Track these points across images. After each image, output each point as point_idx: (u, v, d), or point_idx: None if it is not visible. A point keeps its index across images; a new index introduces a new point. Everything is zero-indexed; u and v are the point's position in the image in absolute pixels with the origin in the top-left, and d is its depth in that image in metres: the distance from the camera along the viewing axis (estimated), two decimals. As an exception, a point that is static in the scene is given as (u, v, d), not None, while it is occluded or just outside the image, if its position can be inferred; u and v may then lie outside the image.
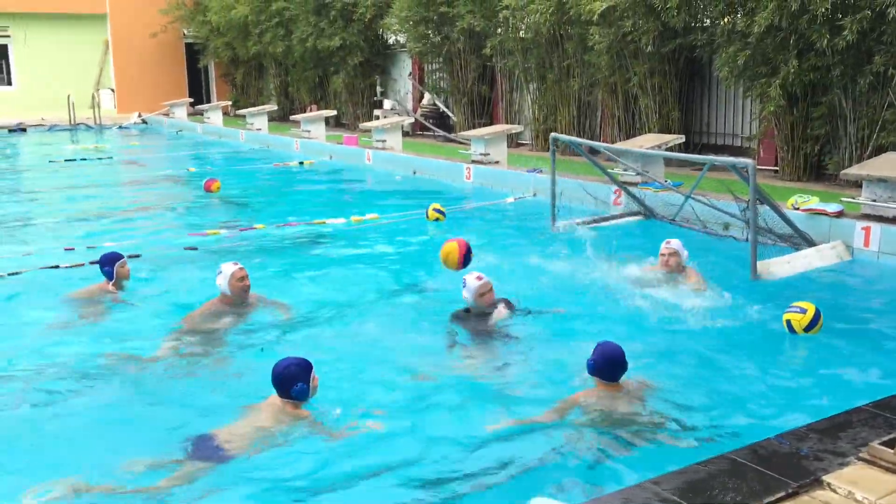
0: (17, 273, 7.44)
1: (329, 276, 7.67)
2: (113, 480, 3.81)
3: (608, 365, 4.49)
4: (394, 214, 10.50)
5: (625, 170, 10.26)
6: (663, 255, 6.81)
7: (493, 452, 4.14)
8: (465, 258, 6.61)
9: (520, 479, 3.90)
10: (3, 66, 28.12)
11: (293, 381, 4.24)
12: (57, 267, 7.62)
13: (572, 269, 7.40)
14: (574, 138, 11.20)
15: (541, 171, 11.46)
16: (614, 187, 10.19)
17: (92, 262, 7.70)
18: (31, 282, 7.30)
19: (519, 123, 16.23)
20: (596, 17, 12.08)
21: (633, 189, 10.03)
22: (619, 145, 11.16)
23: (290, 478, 3.89)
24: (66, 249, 8.35)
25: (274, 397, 4.33)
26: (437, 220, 9.91)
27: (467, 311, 5.91)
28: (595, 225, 9.47)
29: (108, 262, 6.58)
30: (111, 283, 6.57)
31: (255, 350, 5.47)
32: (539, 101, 15.56)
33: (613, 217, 9.95)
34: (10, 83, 28.18)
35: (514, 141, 16.12)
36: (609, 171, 10.11)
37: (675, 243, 6.83)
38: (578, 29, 13.42)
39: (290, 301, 6.54)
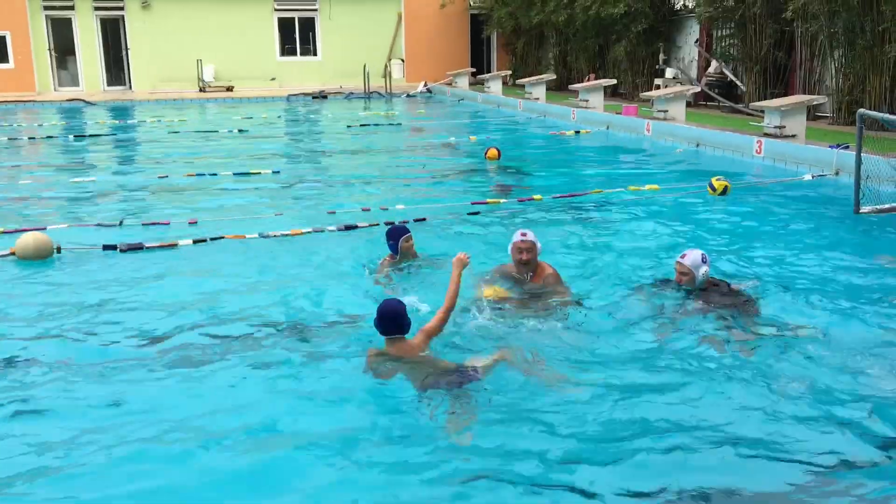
0: (321, 230, 8.18)
1: (603, 248, 7.56)
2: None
3: None
4: (674, 186, 10.11)
5: (952, 149, 8.97)
6: None
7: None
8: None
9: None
10: (311, 38, 30.87)
11: (404, 316, 4.63)
12: (356, 227, 8.28)
13: (873, 260, 6.67)
14: (887, 115, 9.95)
15: (846, 147, 10.38)
16: (936, 169, 8.96)
17: (387, 223, 8.29)
18: (329, 239, 8.01)
19: (819, 94, 14.81)
20: (926, -27, 10.61)
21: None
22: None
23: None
24: (362, 210, 9.04)
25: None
26: (724, 190, 9.36)
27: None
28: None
29: (393, 237, 6.49)
30: (395, 256, 6.51)
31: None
32: (845, 70, 14.08)
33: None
34: (315, 54, 30.93)
35: (811, 113, 14.75)
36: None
37: None
38: (901, -12, 11.89)
39: (564, 272, 6.47)
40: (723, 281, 5.93)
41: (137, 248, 7.61)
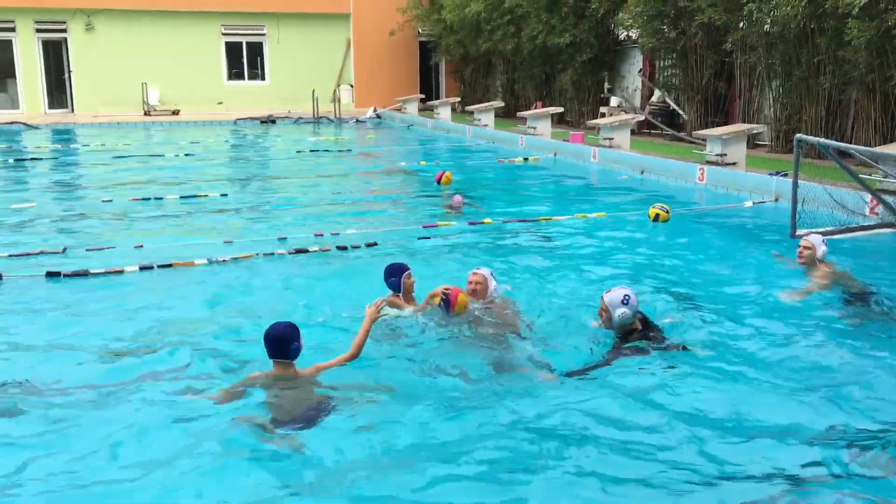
0: (270, 254, 8.13)
1: (549, 275, 7.65)
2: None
3: None
4: (619, 214, 10.31)
5: (885, 176, 9.36)
6: None
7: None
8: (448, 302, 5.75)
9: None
10: (258, 62, 30.74)
11: (291, 341, 4.60)
12: (306, 251, 8.25)
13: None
14: (823, 140, 10.34)
15: (785, 175, 10.73)
16: (870, 196, 9.32)
17: (339, 248, 8.29)
18: (284, 261, 7.97)
19: (757, 123, 15.31)
20: (856, 9, 11.09)
21: (889, 198, 9.14)
22: (880, 149, 10.18)
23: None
24: (315, 235, 9.00)
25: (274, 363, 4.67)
26: (656, 218, 9.57)
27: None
28: (842, 236, 8.74)
29: (396, 274, 6.11)
30: (399, 294, 6.10)
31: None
32: (782, 100, 14.59)
33: (864, 227, 9.14)
34: (263, 78, 30.80)
35: (750, 141, 15.22)
36: (863, 176, 9.27)
37: None
38: (834, 22, 12.40)
39: (517, 296, 6.55)
40: (653, 325, 5.51)
41: (82, 275, 7.46)
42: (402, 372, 5.17)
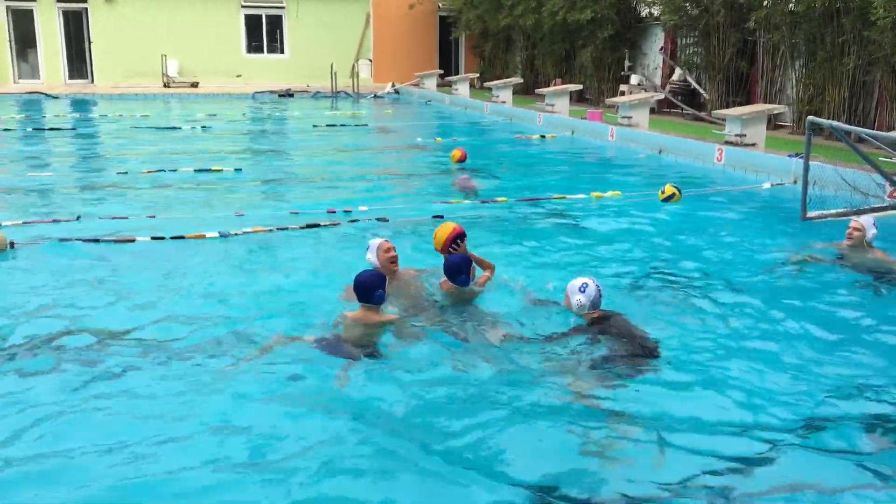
0: (284, 228, 8.14)
1: (564, 253, 7.61)
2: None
3: None
4: (633, 193, 10.19)
5: (900, 160, 9.21)
6: None
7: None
8: (450, 243, 5.83)
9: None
10: (278, 35, 30.67)
11: (375, 288, 5.16)
12: (318, 225, 8.25)
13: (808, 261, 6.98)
14: (835, 123, 10.11)
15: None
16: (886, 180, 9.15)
17: (351, 221, 8.29)
18: (296, 237, 7.97)
19: (780, 103, 15.09)
20: (883, -12, 10.87)
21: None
22: (898, 133, 9.99)
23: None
24: (328, 211, 8.98)
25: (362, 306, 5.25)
26: (670, 197, 9.37)
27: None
28: (851, 217, 8.59)
29: (464, 270, 5.67)
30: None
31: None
32: (805, 80, 14.36)
33: (874, 209, 8.96)
34: (282, 52, 30.74)
35: (772, 122, 15.00)
36: (878, 159, 9.09)
37: None
38: (859, 2, 12.15)
39: (525, 278, 6.49)
40: (615, 314, 5.31)
41: (93, 242, 7.50)
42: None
